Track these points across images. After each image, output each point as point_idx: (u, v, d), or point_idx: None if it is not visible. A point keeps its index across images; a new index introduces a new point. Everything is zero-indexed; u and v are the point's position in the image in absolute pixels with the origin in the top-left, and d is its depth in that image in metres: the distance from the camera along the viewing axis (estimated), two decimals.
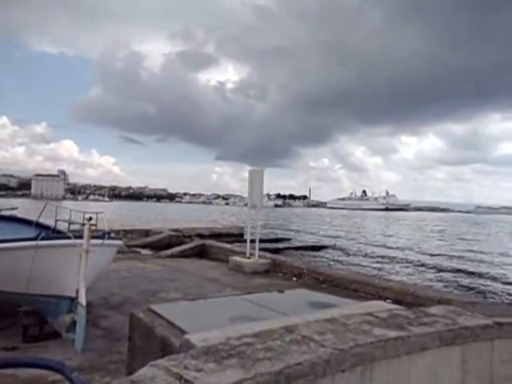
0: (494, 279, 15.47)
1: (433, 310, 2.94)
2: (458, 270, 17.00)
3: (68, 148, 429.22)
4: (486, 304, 4.82)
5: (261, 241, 10.43)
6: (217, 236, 15.33)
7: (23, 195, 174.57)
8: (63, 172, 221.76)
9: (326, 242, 26.09)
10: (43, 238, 4.61)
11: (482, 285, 14.32)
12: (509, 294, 12.77)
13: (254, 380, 1.68)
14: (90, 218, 4.49)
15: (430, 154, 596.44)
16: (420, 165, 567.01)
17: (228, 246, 11.54)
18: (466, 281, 14.85)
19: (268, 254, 10.25)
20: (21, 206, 12.98)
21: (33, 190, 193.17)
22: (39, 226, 6.92)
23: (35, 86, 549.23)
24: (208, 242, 12.35)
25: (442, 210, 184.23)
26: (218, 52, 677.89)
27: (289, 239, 24.06)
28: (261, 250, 10.03)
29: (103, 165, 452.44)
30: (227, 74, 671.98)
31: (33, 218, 7.47)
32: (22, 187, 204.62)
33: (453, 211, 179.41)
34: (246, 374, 1.70)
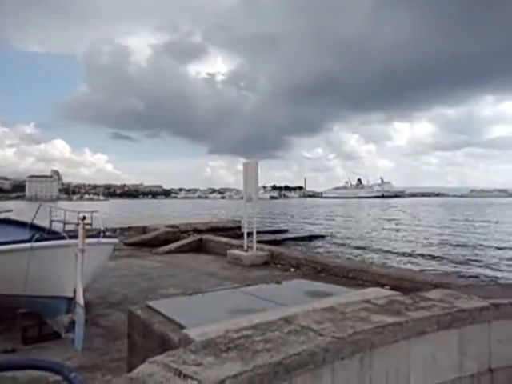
0: (491, 262, 15.61)
1: (430, 294, 2.95)
2: (455, 255, 17.13)
3: (60, 148, 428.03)
4: (482, 286, 4.86)
5: (258, 233, 10.43)
6: (214, 230, 15.29)
7: (17, 197, 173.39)
8: (57, 172, 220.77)
9: (322, 231, 26.17)
10: (38, 240, 4.59)
11: (479, 267, 14.44)
12: (504, 277, 12.87)
13: (254, 372, 1.67)
14: (84, 218, 4.46)
15: (423, 139, 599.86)
16: (414, 151, 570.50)
17: (225, 239, 11.54)
18: (463, 265, 14.95)
19: (266, 246, 10.27)
20: (15, 208, 12.89)
21: (27, 192, 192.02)
22: (34, 227, 6.87)
23: (21, 86, 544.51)
24: (205, 236, 12.35)
25: (437, 195, 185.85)
26: (205, 41, 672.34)
27: (286, 230, 24.02)
28: (258, 242, 10.04)
29: (96, 163, 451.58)
30: (217, 66, 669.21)
31: (28, 219, 7.42)
32: (16, 189, 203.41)
33: (447, 196, 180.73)
34: (245, 367, 1.70)
